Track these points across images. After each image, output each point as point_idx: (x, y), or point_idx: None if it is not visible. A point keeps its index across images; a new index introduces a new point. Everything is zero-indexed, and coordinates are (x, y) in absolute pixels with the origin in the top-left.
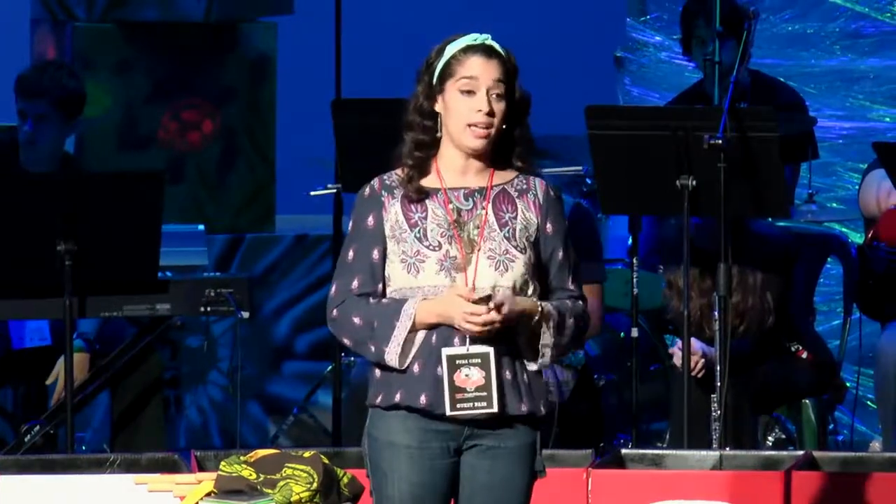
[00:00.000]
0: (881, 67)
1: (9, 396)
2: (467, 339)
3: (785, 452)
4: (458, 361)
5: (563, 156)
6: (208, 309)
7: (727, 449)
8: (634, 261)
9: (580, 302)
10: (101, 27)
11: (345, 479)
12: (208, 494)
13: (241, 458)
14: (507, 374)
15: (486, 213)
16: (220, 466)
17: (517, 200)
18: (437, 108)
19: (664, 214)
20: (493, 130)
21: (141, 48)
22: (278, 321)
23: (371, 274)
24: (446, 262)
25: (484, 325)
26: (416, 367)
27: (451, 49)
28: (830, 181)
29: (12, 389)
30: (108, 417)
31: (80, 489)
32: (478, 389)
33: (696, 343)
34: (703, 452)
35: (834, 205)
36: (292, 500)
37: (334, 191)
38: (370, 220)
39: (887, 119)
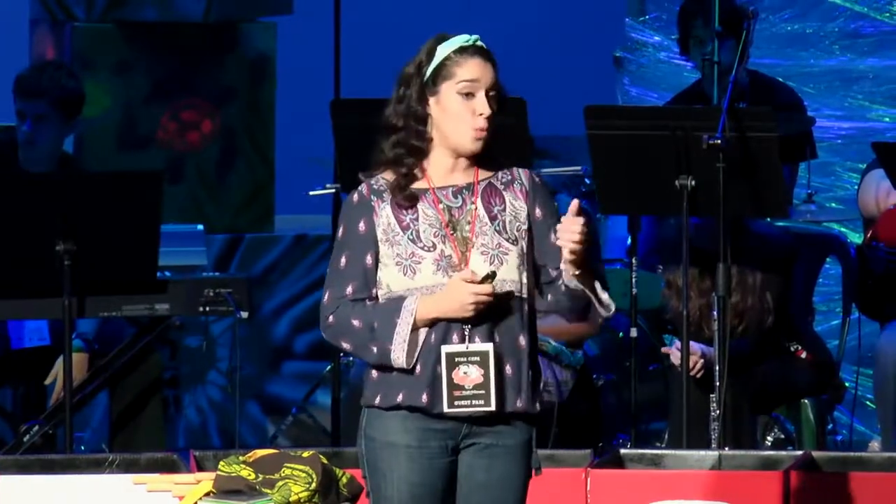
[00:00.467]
0: (880, 67)
1: (8, 396)
2: (466, 337)
3: (784, 452)
4: (457, 359)
5: (562, 156)
6: (207, 309)
7: (726, 449)
8: (633, 261)
9: None
10: (101, 27)
11: (343, 479)
12: (207, 494)
13: (240, 458)
14: (508, 370)
15: (476, 207)
16: (219, 466)
17: (504, 192)
18: (429, 110)
19: (663, 214)
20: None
21: (140, 48)
22: (277, 321)
23: (364, 280)
24: (442, 262)
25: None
26: (416, 366)
27: (444, 50)
28: (829, 181)
29: (11, 389)
30: (107, 417)
31: (79, 489)
32: (476, 387)
33: (693, 343)
34: (702, 452)
35: (833, 205)
36: (291, 499)
37: (333, 191)
38: (361, 226)
39: (886, 119)
